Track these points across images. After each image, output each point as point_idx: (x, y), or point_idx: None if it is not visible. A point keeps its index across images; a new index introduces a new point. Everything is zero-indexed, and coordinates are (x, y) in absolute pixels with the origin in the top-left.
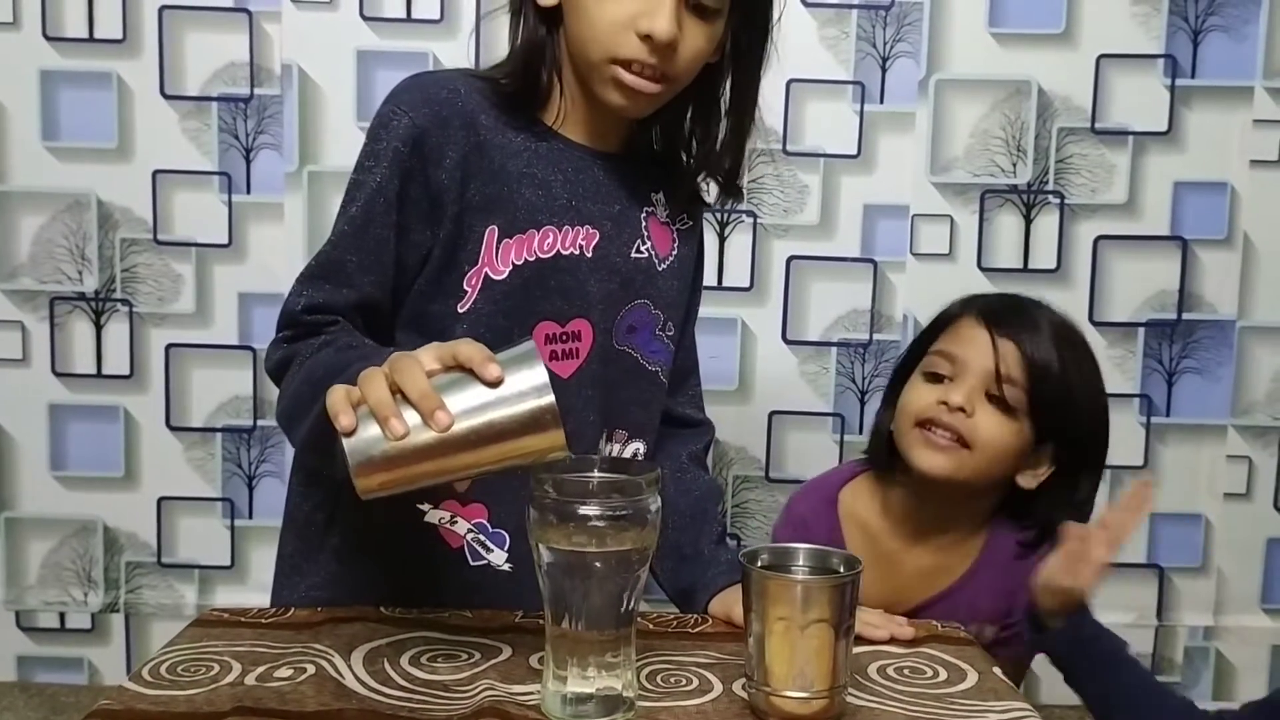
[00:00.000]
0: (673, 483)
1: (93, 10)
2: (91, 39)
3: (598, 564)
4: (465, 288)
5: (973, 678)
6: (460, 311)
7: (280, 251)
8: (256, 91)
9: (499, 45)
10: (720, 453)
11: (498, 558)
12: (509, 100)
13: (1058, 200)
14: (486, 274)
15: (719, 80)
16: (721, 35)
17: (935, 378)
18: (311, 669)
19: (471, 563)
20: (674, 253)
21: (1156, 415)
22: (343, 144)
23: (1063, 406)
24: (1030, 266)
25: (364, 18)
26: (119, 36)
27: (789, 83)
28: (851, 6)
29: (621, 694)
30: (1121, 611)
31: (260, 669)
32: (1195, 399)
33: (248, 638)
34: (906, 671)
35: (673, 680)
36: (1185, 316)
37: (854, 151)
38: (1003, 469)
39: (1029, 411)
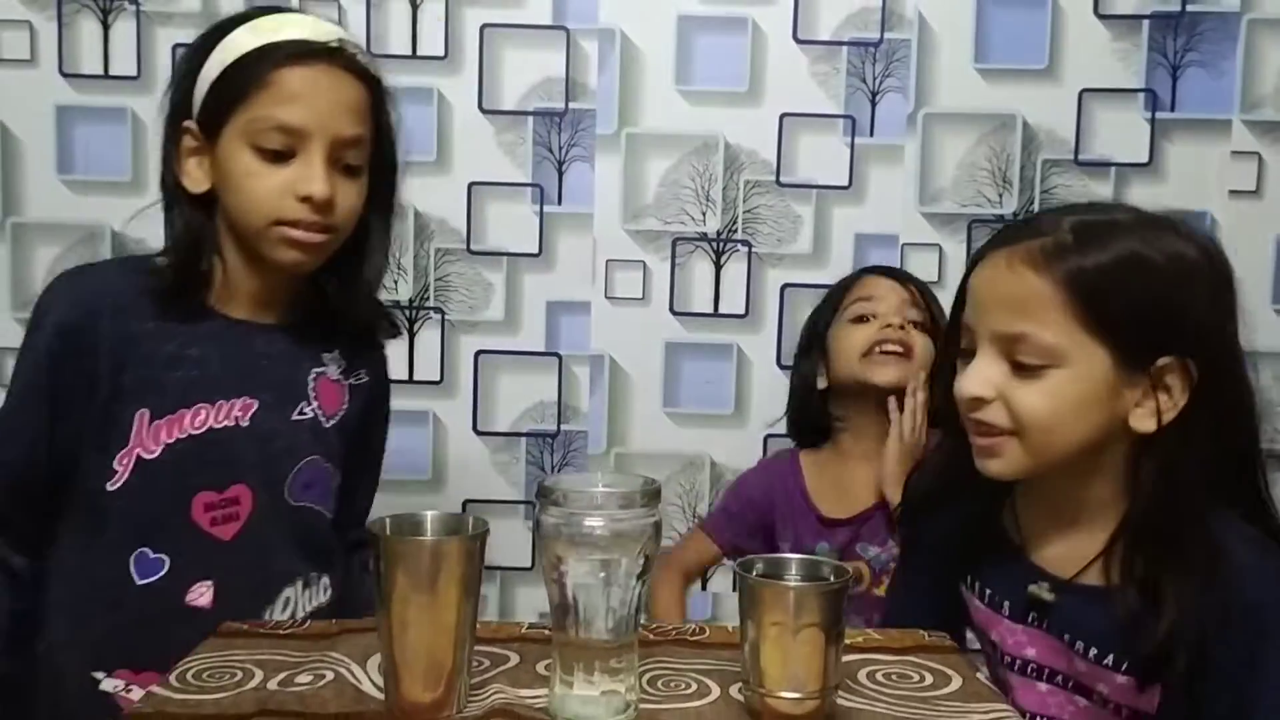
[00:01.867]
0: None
1: (108, 47)
2: (107, 75)
3: (602, 574)
4: (117, 468)
5: (957, 682)
6: (110, 490)
7: None
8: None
9: (503, 79)
10: (717, 474)
11: None
12: (171, 288)
13: None
14: (139, 454)
15: (368, 233)
16: (366, 189)
17: (860, 319)
18: (330, 675)
19: None
20: (344, 406)
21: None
22: None
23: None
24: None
25: (371, 54)
26: (134, 73)
27: (782, 116)
28: (842, 43)
29: (625, 696)
30: None
31: (281, 675)
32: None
33: (266, 647)
34: (894, 676)
35: (673, 685)
36: None
37: (845, 183)
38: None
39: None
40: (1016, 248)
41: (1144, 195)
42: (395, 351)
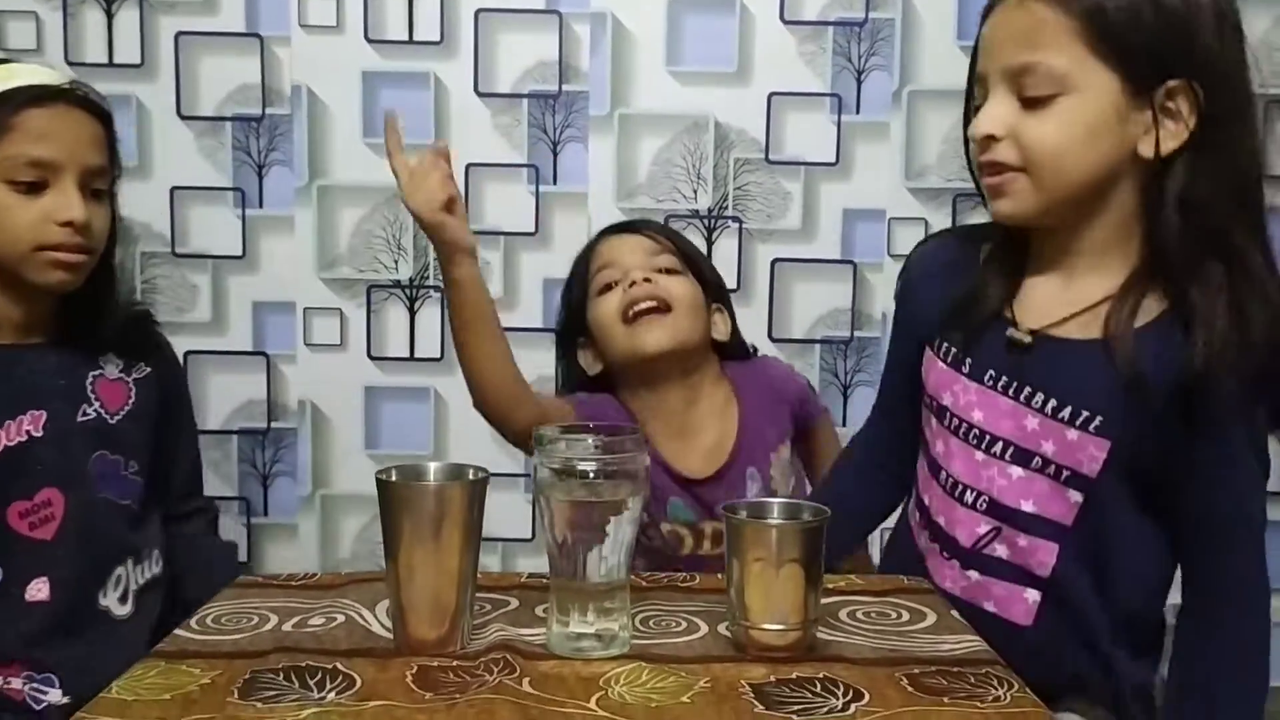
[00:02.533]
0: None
1: (112, 36)
2: (111, 64)
3: (595, 514)
4: None
5: (932, 618)
6: None
7: (291, 262)
8: (268, 111)
9: (498, 63)
10: None
11: (54, 696)
12: None
13: None
14: None
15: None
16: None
17: (608, 287)
18: (341, 618)
19: (36, 709)
20: (130, 401)
21: None
22: (349, 160)
23: None
24: None
25: (368, 40)
26: (137, 61)
27: (770, 95)
28: (828, 24)
29: (618, 633)
30: None
31: (295, 618)
32: None
33: (280, 597)
34: (873, 614)
35: (664, 624)
36: None
37: (833, 159)
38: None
39: None
40: None
41: None
42: (398, 328)
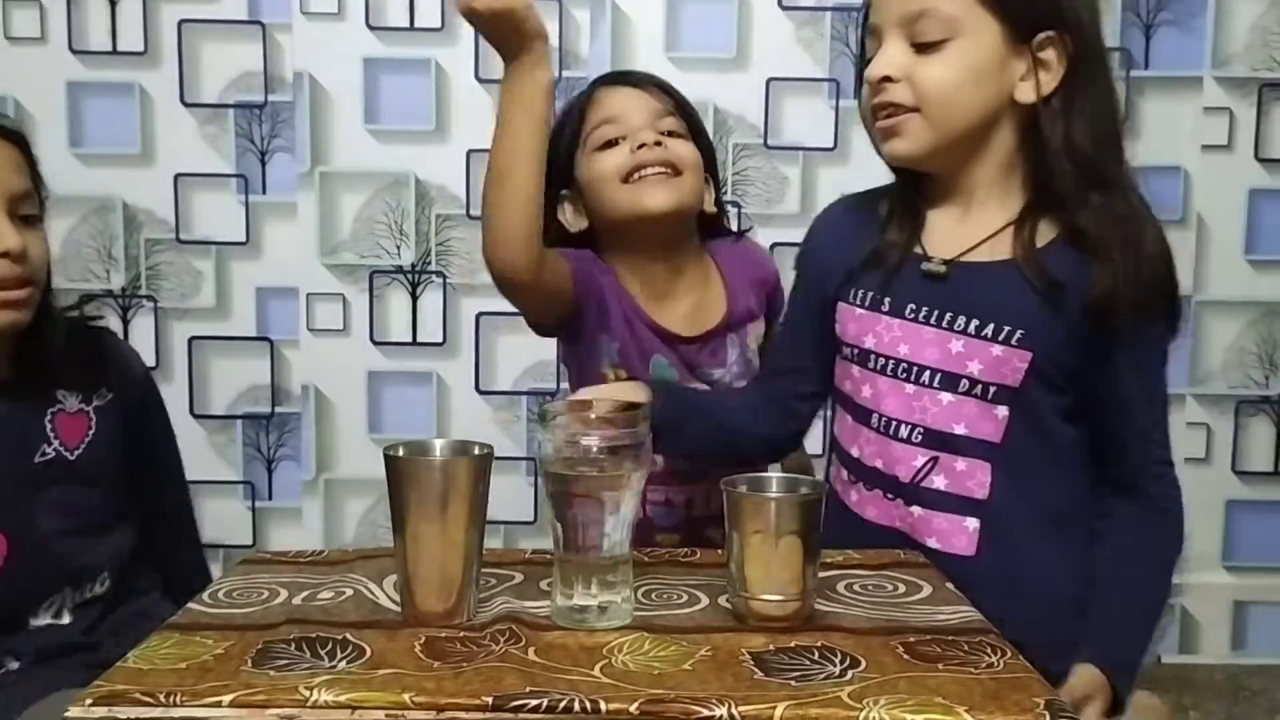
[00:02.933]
0: None
1: (115, 24)
2: (115, 52)
3: (598, 489)
4: None
5: (928, 590)
6: None
7: (294, 247)
8: (270, 98)
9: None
10: None
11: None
12: None
13: None
14: None
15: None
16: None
17: (610, 144)
18: (350, 591)
19: None
20: (91, 431)
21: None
22: (352, 146)
23: None
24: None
25: (369, 27)
26: (141, 49)
27: (768, 81)
28: (826, 9)
29: (620, 605)
30: None
31: (305, 593)
32: None
33: (290, 572)
34: (870, 587)
35: (666, 596)
36: None
37: (831, 144)
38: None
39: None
40: None
41: None
42: (400, 313)
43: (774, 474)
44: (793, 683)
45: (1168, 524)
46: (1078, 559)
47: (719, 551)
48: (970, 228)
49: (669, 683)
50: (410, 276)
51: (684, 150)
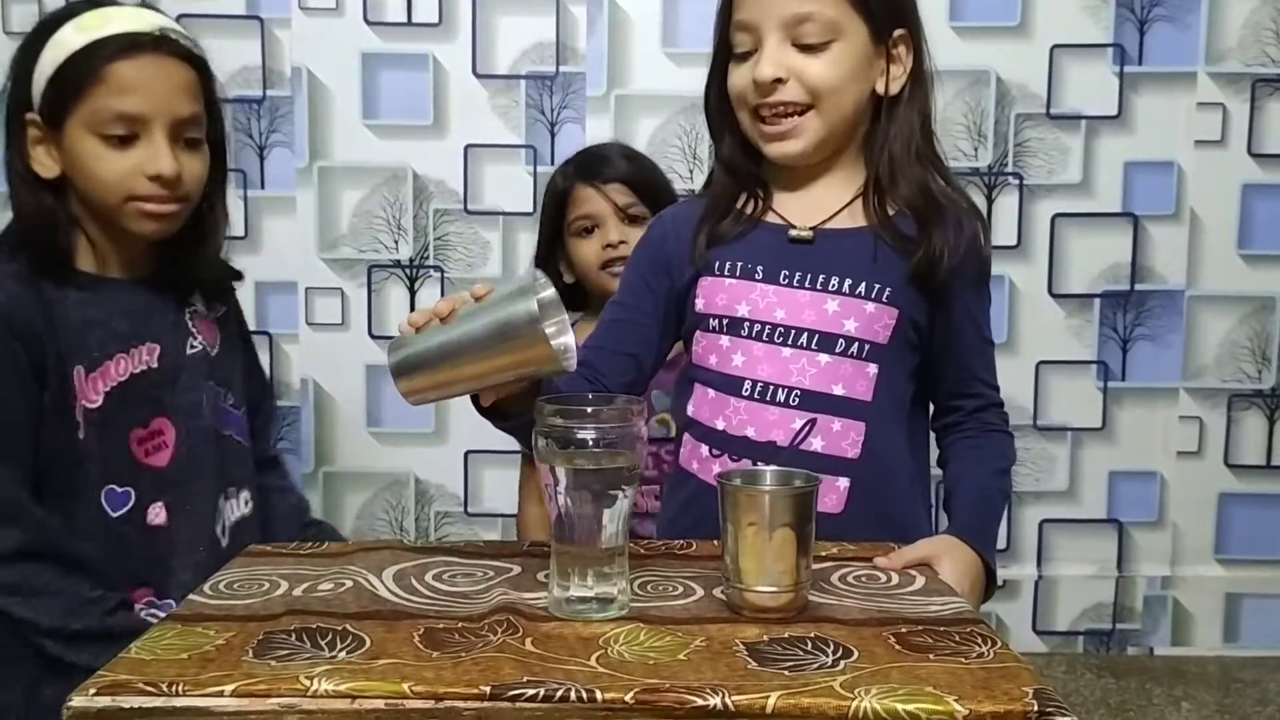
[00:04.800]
0: None
1: None
2: None
3: (593, 481)
4: (78, 420)
5: (921, 581)
6: (80, 440)
7: (293, 242)
8: (269, 93)
9: (496, 45)
10: None
11: None
12: (39, 270)
13: (1017, 181)
14: (84, 406)
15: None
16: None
17: (587, 231)
18: (350, 583)
19: None
20: (219, 337)
21: (1113, 380)
22: (350, 141)
23: None
24: (992, 243)
25: (368, 22)
26: None
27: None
28: None
29: (616, 596)
30: (1084, 564)
31: (305, 584)
32: (1148, 364)
33: (290, 564)
34: (863, 578)
35: (661, 588)
36: (1137, 287)
37: None
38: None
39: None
40: None
41: (1114, 146)
42: (398, 308)
43: (768, 468)
44: (786, 673)
45: (1004, 440)
46: (928, 513)
47: (714, 543)
48: (823, 199)
49: (664, 672)
50: (408, 271)
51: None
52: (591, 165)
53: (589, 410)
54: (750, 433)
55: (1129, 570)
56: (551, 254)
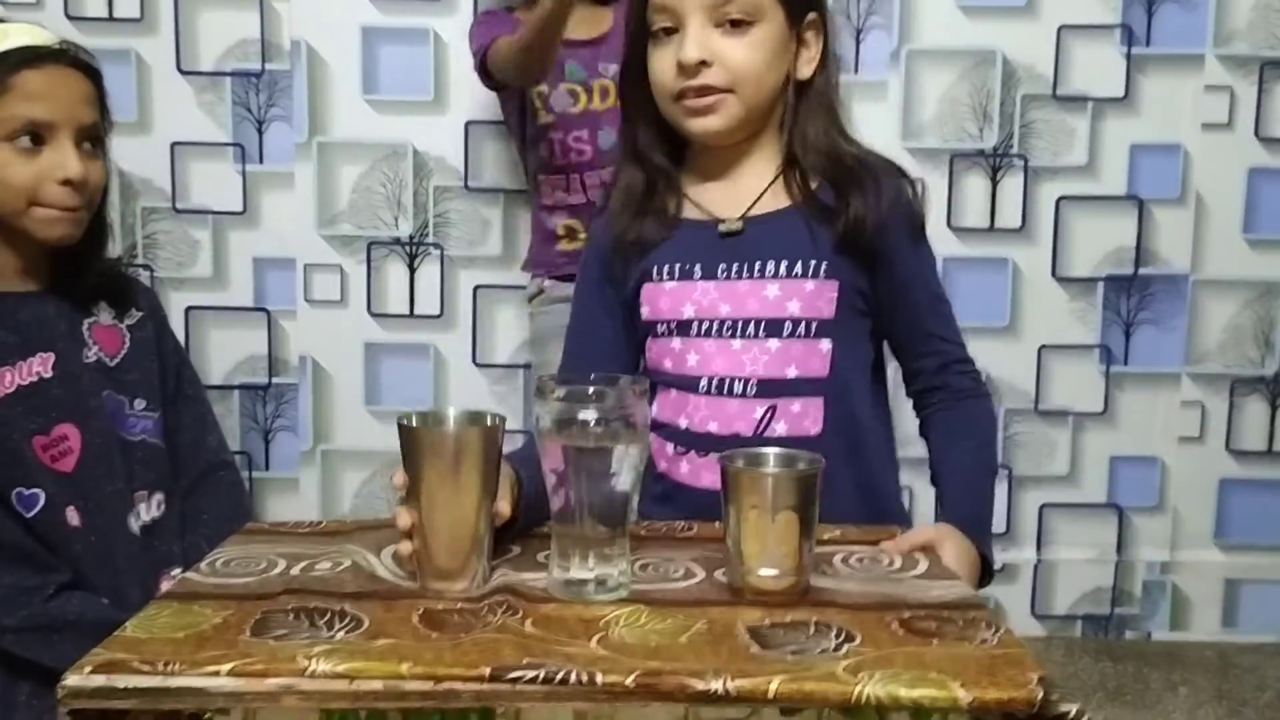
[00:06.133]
0: None
1: None
2: (111, 18)
3: (595, 462)
4: None
5: (924, 565)
6: None
7: (292, 218)
8: (268, 67)
9: None
10: None
11: None
12: None
13: (1022, 163)
14: None
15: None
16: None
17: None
18: (347, 562)
19: None
20: (125, 345)
21: (1115, 364)
22: (350, 116)
23: None
24: (996, 226)
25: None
26: (137, 16)
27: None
28: None
29: (617, 578)
30: (1083, 548)
31: (303, 563)
32: (1151, 349)
33: (288, 543)
34: (866, 561)
35: (662, 570)
36: (1141, 271)
37: None
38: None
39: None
40: None
41: (1120, 128)
42: (397, 285)
43: (771, 449)
44: (788, 656)
45: (980, 407)
46: (897, 475)
47: (716, 524)
48: (744, 187)
49: (665, 655)
50: (408, 248)
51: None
52: None
53: (591, 391)
54: (713, 427)
55: (1128, 555)
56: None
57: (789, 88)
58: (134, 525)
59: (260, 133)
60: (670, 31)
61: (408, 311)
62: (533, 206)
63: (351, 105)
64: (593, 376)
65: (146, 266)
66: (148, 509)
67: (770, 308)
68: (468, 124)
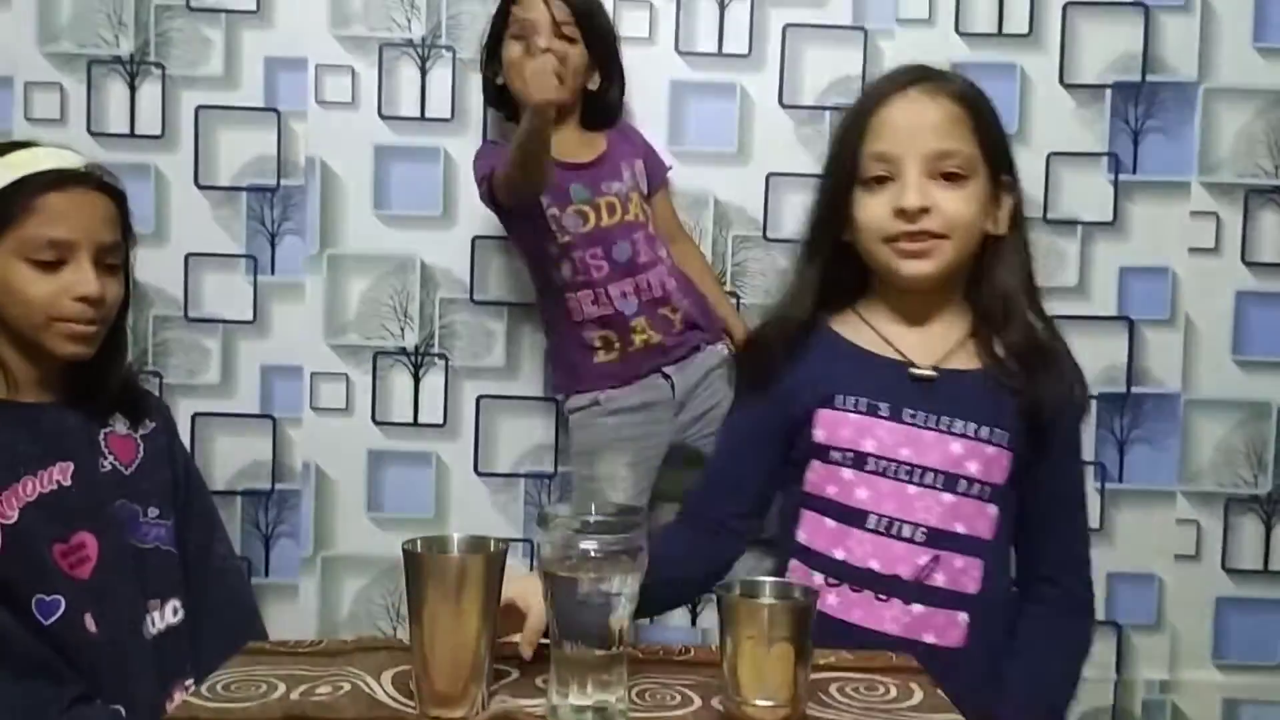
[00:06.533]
0: None
1: (134, 109)
2: (133, 134)
3: (595, 591)
4: None
5: (919, 696)
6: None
7: (300, 327)
8: (283, 182)
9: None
10: None
11: None
12: None
13: None
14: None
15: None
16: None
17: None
18: (348, 686)
19: None
20: (140, 454)
21: (1110, 482)
22: (360, 230)
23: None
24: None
25: (382, 116)
26: (158, 133)
27: (768, 176)
28: (825, 109)
29: (615, 706)
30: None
31: (303, 687)
32: (1146, 467)
33: (288, 664)
34: (861, 689)
35: (659, 697)
36: (1134, 390)
37: None
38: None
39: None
40: (928, 86)
41: (1109, 251)
42: (402, 394)
43: (767, 579)
44: None
45: (1085, 626)
46: None
47: (713, 648)
48: (934, 337)
49: None
50: (413, 358)
51: (572, 52)
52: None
53: (592, 521)
54: (875, 565)
55: (1127, 674)
56: (492, 54)
57: (984, 242)
58: (148, 632)
59: (273, 245)
60: (883, 180)
61: (411, 420)
62: (557, 326)
63: (362, 219)
64: (593, 506)
65: (156, 373)
66: (161, 616)
67: (951, 462)
68: (474, 238)
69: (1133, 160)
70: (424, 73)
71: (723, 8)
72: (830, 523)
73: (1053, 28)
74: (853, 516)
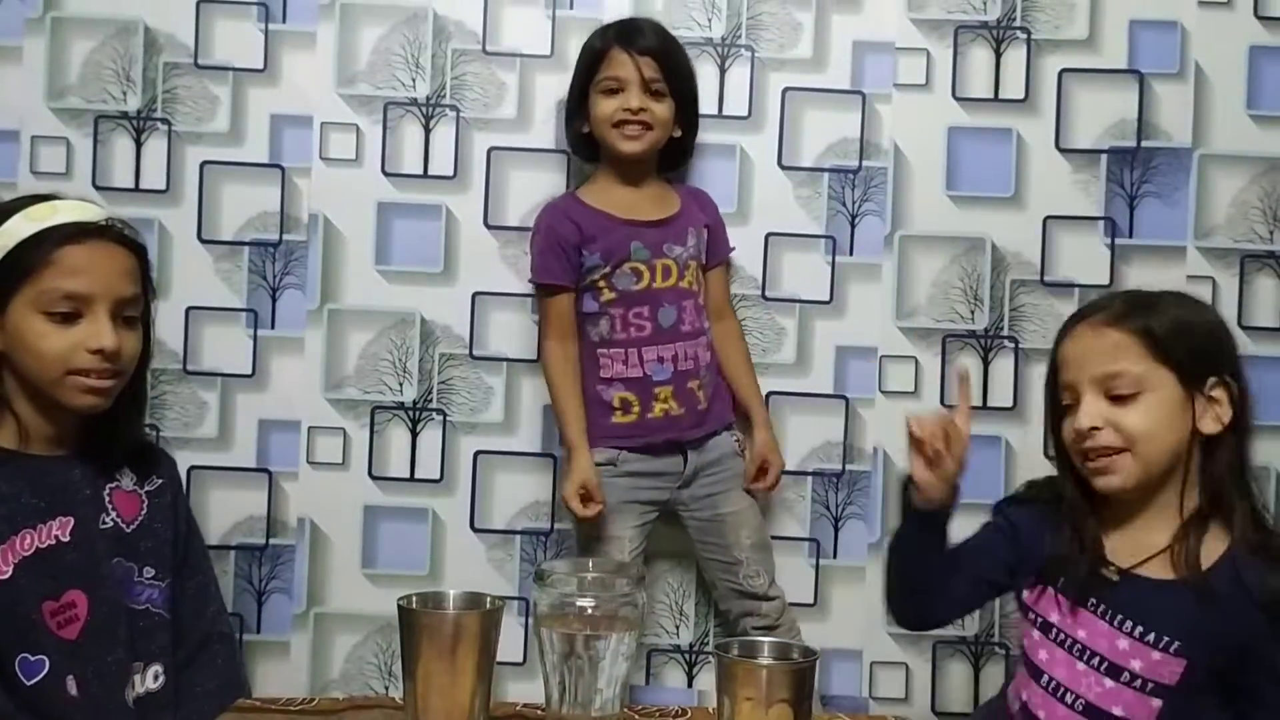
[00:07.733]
0: None
1: (140, 165)
2: (137, 189)
3: (591, 648)
4: None
5: None
6: None
7: (299, 382)
8: (285, 237)
9: (508, 199)
10: None
11: None
12: None
13: (1013, 345)
14: None
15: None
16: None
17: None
18: None
19: None
20: (143, 511)
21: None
22: (361, 285)
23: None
24: (988, 404)
25: (385, 173)
26: (162, 187)
27: (767, 236)
28: (823, 170)
29: None
30: None
31: None
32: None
33: None
34: None
35: None
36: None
37: (827, 298)
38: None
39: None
40: (1093, 319)
41: None
42: (399, 449)
43: (767, 639)
44: None
45: None
46: None
47: (710, 709)
48: (1139, 539)
49: None
50: (411, 413)
51: (659, 108)
52: (629, 34)
53: (590, 578)
54: (1042, 715)
55: None
56: (578, 108)
57: (1194, 443)
58: (129, 697)
59: (274, 299)
60: (1072, 407)
61: (408, 475)
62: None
63: (363, 274)
64: (590, 563)
65: (154, 427)
66: (142, 680)
67: (1116, 655)
68: (474, 294)
69: (1129, 224)
70: (428, 131)
71: (723, 71)
72: (1023, 668)
73: (1048, 93)
74: (1034, 671)
